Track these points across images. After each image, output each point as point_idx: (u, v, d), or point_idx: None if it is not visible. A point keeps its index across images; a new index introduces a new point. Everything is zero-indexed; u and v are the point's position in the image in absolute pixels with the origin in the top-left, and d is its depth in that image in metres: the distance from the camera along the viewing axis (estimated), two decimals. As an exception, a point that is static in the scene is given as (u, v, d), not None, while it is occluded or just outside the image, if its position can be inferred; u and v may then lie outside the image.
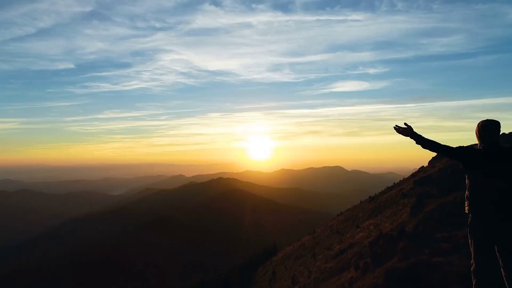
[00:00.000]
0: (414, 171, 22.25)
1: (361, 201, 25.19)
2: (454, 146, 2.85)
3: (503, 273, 2.62)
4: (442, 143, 2.86)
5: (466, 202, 2.81)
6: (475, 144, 2.85)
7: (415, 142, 2.96)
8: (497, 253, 2.65)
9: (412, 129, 2.98)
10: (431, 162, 19.61)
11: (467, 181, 2.79)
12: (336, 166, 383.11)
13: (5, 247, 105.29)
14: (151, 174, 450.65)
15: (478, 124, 2.82)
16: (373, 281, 4.26)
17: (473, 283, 2.76)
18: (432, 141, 2.89)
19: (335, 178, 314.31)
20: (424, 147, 2.92)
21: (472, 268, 2.77)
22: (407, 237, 6.94)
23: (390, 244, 7.94)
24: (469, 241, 2.79)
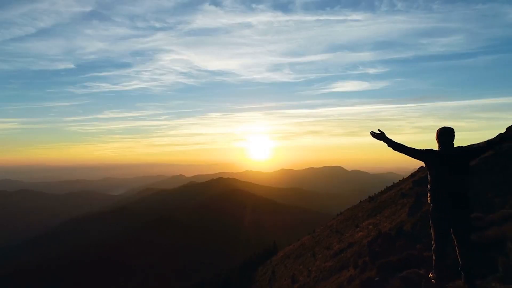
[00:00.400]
0: (413, 171, 22.29)
1: (360, 201, 25.25)
2: (455, 146, 3.37)
3: (457, 250, 3.28)
4: (408, 146, 3.48)
5: (428, 194, 3.40)
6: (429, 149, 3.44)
7: (386, 145, 3.56)
8: (452, 235, 3.28)
9: (384, 134, 3.58)
10: (430, 162, 19.67)
11: (429, 177, 3.40)
12: (336, 166, 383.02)
13: (5, 247, 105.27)
14: (151, 174, 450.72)
15: (437, 131, 3.42)
16: (368, 275, 4.60)
17: (433, 258, 3.46)
18: (400, 144, 3.50)
19: (335, 178, 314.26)
20: (394, 149, 3.52)
21: (433, 247, 3.43)
22: (405, 235, 7.04)
23: (388, 243, 8.04)
24: (430, 225, 3.42)
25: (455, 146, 3.33)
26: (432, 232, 3.40)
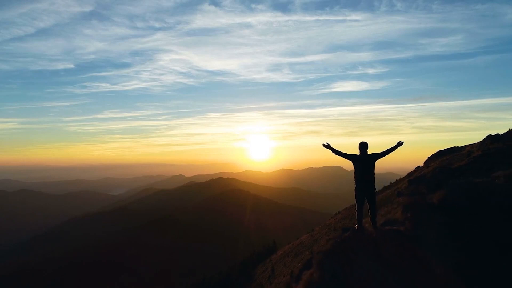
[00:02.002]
0: (410, 171, 22.67)
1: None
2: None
3: (368, 209, 5.99)
4: (342, 151, 6.13)
5: (354, 179, 6.06)
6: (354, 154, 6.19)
7: (331, 151, 6.13)
8: (366, 201, 6.00)
9: (330, 145, 6.16)
10: (426, 162, 19.99)
11: (354, 169, 6.03)
12: (336, 166, 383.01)
13: (5, 247, 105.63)
14: (151, 174, 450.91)
15: (358, 144, 6.10)
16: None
17: (356, 215, 6.14)
18: (338, 150, 6.15)
19: (335, 178, 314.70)
20: (335, 154, 6.14)
21: (356, 209, 6.18)
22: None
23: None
24: (355, 196, 6.02)
25: (372, 152, 6.10)
26: (356, 200, 6.10)
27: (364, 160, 6.02)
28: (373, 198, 6.05)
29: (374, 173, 6.08)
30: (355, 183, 6.11)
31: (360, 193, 6.05)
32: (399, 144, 6.12)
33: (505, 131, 11.55)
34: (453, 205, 5.55)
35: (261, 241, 60.58)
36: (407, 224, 5.54)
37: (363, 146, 6.10)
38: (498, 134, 11.40)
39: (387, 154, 6.11)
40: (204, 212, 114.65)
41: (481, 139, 15.56)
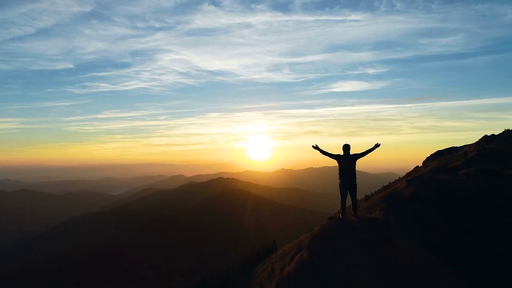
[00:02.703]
0: (409, 171, 22.82)
1: (357, 200, 25.67)
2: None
3: (351, 200, 7.29)
4: (329, 152, 7.29)
5: (338, 174, 7.29)
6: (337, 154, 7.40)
7: (319, 152, 7.30)
8: (348, 193, 7.21)
9: (318, 146, 7.33)
10: (425, 162, 20.18)
11: (338, 167, 7.27)
12: (336, 166, 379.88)
13: (5, 247, 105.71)
14: (151, 174, 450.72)
15: (343, 145, 7.18)
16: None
17: (340, 206, 7.31)
18: (325, 151, 7.30)
19: (335, 178, 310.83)
20: (323, 154, 7.28)
21: (340, 200, 7.31)
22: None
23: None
24: (339, 189, 7.25)
25: (354, 153, 7.18)
26: (340, 193, 7.25)
27: (347, 159, 7.11)
28: (354, 191, 7.22)
29: (355, 170, 7.21)
30: (339, 179, 7.29)
31: (343, 187, 7.22)
32: (377, 145, 7.06)
33: (501, 132, 11.74)
34: (421, 197, 6.57)
35: (261, 241, 60.51)
36: (382, 213, 6.77)
37: (346, 147, 7.21)
38: (493, 134, 11.62)
39: (367, 154, 7.11)
40: (204, 212, 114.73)
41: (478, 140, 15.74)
